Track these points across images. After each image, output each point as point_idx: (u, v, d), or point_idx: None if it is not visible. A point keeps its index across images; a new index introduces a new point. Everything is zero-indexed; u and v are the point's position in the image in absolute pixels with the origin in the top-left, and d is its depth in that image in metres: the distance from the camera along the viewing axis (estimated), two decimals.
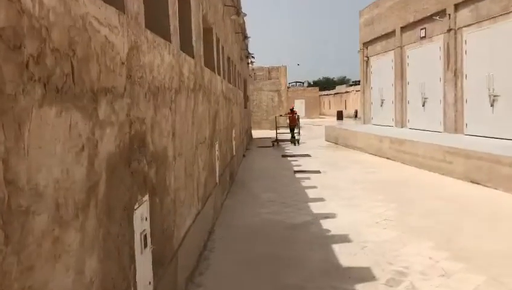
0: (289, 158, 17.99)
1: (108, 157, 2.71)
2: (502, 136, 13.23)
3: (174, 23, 4.73)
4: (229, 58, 13.43)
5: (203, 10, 7.13)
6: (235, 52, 16.48)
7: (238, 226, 7.93)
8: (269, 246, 6.69)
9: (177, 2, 4.96)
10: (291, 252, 6.40)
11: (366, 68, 24.76)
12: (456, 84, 15.95)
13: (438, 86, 17.07)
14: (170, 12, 4.57)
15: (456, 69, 15.92)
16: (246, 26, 20.90)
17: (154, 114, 3.82)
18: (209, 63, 8.32)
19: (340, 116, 50.90)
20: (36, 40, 1.86)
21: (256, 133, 32.30)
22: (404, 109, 20.30)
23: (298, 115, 26.04)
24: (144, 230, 3.49)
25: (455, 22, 15.80)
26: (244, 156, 18.81)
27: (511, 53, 13.01)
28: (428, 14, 17.45)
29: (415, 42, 19.12)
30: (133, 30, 3.24)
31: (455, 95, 16.00)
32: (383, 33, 22.13)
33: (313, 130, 34.67)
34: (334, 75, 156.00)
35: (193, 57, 6.00)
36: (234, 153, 13.67)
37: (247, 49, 24.37)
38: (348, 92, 62.88)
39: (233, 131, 13.78)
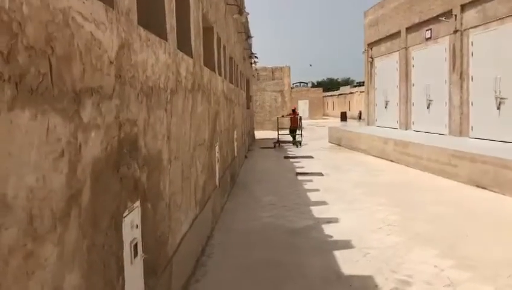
0: (291, 160, 17.80)
1: (93, 162, 2.53)
2: (509, 139, 13.01)
3: (170, 21, 4.55)
4: (231, 58, 13.24)
5: (203, 9, 6.95)
6: (238, 52, 16.30)
7: (238, 230, 7.74)
8: (269, 252, 6.50)
9: None
10: (291, 258, 6.21)
11: (371, 69, 24.54)
12: (461, 86, 15.72)
13: (443, 88, 16.84)
14: (166, 9, 4.39)
15: (461, 71, 15.69)
16: (250, 26, 20.74)
17: (147, 116, 3.64)
18: (209, 62, 8.14)
19: (344, 117, 50.65)
20: (6, 36, 1.68)
21: (259, 134, 32.12)
22: (408, 111, 20.07)
23: (300, 116, 25.70)
24: (135, 238, 3.31)
25: (461, 23, 15.57)
26: (246, 157, 18.63)
27: None
28: (434, 15, 17.23)
29: (420, 43, 18.89)
30: (123, 27, 3.06)
31: (461, 97, 15.78)
32: (387, 34, 21.91)
33: (316, 131, 34.44)
34: (338, 75, 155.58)
35: (192, 57, 5.82)
36: (236, 155, 13.49)
37: (250, 49, 24.19)
38: (352, 93, 62.59)
39: (235, 132, 13.60)
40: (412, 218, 8.20)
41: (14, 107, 1.73)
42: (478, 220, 8.04)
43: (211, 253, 6.51)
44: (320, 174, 13.68)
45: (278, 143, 23.69)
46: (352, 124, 34.67)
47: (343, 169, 14.87)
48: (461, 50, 15.65)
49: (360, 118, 48.75)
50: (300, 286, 5.29)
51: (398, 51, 20.88)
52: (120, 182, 2.99)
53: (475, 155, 11.41)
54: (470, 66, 15.29)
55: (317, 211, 8.86)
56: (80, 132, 2.35)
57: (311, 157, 18.39)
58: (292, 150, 21.57)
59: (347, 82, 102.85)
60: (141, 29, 3.51)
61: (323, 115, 67.52)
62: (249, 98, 25.69)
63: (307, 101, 64.45)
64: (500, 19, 13.63)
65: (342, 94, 68.77)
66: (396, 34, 20.90)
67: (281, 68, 40.82)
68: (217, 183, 8.58)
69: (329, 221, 8.10)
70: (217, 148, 8.68)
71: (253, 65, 29.66)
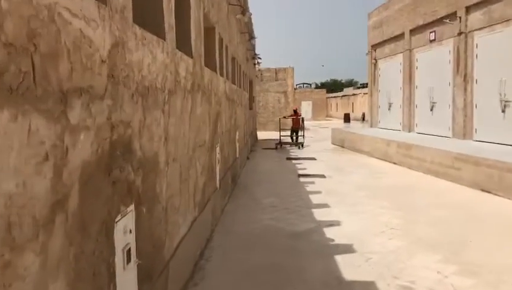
0: (294, 161, 17.67)
1: (82, 166, 2.42)
2: None
3: (169, 19, 4.44)
4: (233, 58, 13.14)
5: (204, 8, 6.84)
6: (241, 53, 16.18)
7: (238, 233, 7.62)
8: (269, 256, 6.38)
9: None
10: (292, 262, 6.09)
11: (374, 71, 24.39)
12: (465, 88, 15.56)
13: (447, 91, 16.69)
14: (165, 8, 4.28)
15: (466, 73, 15.54)
16: (253, 27, 20.63)
17: (142, 117, 3.53)
18: (210, 63, 8.03)
19: (347, 118, 50.45)
20: None
21: (262, 135, 32.00)
22: (412, 113, 19.92)
23: (303, 117, 25.48)
24: (128, 244, 3.20)
25: (466, 25, 15.41)
26: (248, 158, 18.51)
27: None
28: (438, 17, 17.07)
29: (424, 45, 18.74)
30: (117, 25, 2.95)
31: (464, 99, 15.61)
32: (391, 36, 21.75)
33: (319, 132, 34.32)
34: (342, 77, 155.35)
35: (191, 57, 5.71)
36: (237, 156, 13.38)
37: (253, 50, 24.08)
38: (355, 94, 62.41)
39: (237, 133, 13.49)
40: (415, 222, 8.07)
41: None
42: (482, 224, 7.90)
43: (210, 256, 6.39)
44: (323, 176, 13.55)
45: (280, 144, 23.42)
46: (355, 126, 34.48)
47: (346, 171, 14.74)
48: (465, 52, 15.50)
49: (363, 119, 48.55)
50: None
51: (402, 52, 20.73)
52: (112, 185, 2.88)
53: (479, 158, 11.26)
54: (474, 68, 15.12)
55: (319, 214, 8.73)
56: (67, 134, 2.24)
57: (313, 159, 18.26)
58: (295, 152, 21.44)
59: (351, 83, 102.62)
60: (137, 28, 3.40)
61: (327, 116, 67.37)
62: (251, 99, 25.57)
63: (310, 102, 64.33)
64: (506, 20, 13.46)
65: (345, 95, 68.60)
66: (400, 36, 20.75)
67: (285, 69, 40.71)
68: (218, 185, 8.47)
69: (331, 224, 7.97)
70: (217, 149, 8.57)
71: (256, 66, 29.54)
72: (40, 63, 1.95)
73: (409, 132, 19.94)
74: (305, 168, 15.40)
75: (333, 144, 24.18)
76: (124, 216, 3.12)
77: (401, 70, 20.72)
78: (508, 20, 13.38)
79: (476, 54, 15.00)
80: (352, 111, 59.78)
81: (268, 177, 13.89)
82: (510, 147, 12.67)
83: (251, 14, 13.53)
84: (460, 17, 15.56)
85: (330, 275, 5.60)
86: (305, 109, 61.66)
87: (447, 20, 16.27)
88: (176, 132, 4.76)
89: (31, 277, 1.89)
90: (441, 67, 17.12)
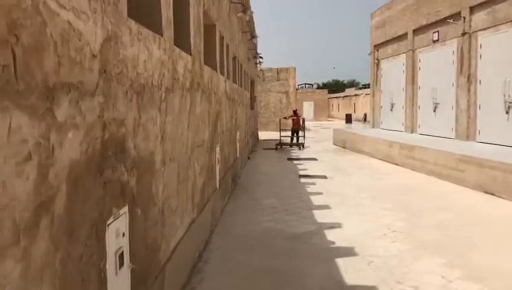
0: (295, 161, 17.52)
1: (70, 166, 2.29)
2: None
3: (167, 15, 4.31)
4: (235, 57, 13.00)
5: (204, 5, 6.70)
6: (242, 52, 16.04)
7: (237, 234, 7.49)
8: (268, 259, 6.24)
9: None
10: (291, 265, 5.95)
11: (377, 71, 24.23)
12: (469, 89, 15.40)
13: (450, 91, 16.53)
14: (162, 3, 4.14)
15: (469, 74, 15.38)
16: (255, 26, 20.48)
17: (137, 115, 3.39)
18: (210, 61, 7.89)
19: (349, 119, 50.29)
20: None
21: (263, 135, 31.87)
22: (414, 114, 19.76)
23: (303, 118, 25.25)
24: (120, 247, 3.06)
25: (470, 25, 15.26)
26: (249, 158, 18.37)
27: None
28: (442, 17, 16.92)
29: (427, 45, 18.58)
30: (110, 18, 2.81)
31: (468, 100, 15.46)
32: (394, 36, 21.59)
33: (321, 133, 34.18)
34: (344, 77, 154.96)
35: (190, 54, 5.57)
36: (238, 156, 13.25)
37: (255, 49, 23.94)
38: (357, 95, 62.24)
39: (238, 133, 13.35)
40: (418, 224, 7.93)
41: None
42: (486, 227, 7.75)
43: (209, 258, 6.26)
44: (324, 177, 13.41)
45: (280, 145, 23.02)
46: (357, 126, 34.32)
47: (348, 172, 14.60)
48: (469, 52, 15.34)
49: (365, 120, 48.41)
50: None
51: (404, 53, 20.58)
52: (103, 187, 2.74)
53: (483, 160, 11.11)
54: (478, 68, 14.97)
55: (320, 216, 8.59)
56: (54, 132, 2.11)
57: (315, 159, 18.11)
58: (296, 152, 21.29)
59: (352, 84, 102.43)
60: (132, 22, 3.26)
61: (328, 116, 67.22)
62: (253, 99, 25.42)
63: (312, 102, 64.18)
64: (510, 21, 13.29)
65: (347, 96, 68.43)
66: (403, 36, 20.59)
67: (287, 69, 40.56)
68: (217, 186, 8.33)
69: (332, 226, 7.84)
70: (217, 149, 8.43)
71: (258, 66, 29.39)
72: (23, 56, 1.82)
73: (412, 132, 19.78)
74: (306, 169, 15.26)
75: (335, 144, 24.03)
76: (117, 218, 2.99)
77: (404, 71, 20.57)
78: None
79: (479, 55, 14.85)
80: (354, 112, 59.60)
81: (269, 177, 13.75)
82: None
83: (252, 12, 13.39)
84: (464, 17, 15.41)
85: (331, 280, 5.46)
86: (307, 110, 61.53)
87: (451, 20, 16.11)
88: (173, 131, 4.62)
89: (11, 285, 1.76)
90: (444, 68, 16.96)
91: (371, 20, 24.79)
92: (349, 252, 6.47)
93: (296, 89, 45.87)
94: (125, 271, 3.16)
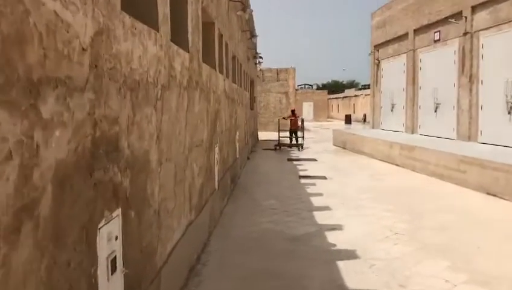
0: (295, 162, 17.38)
1: (57, 166, 2.14)
2: None
3: (163, 10, 4.16)
4: (234, 56, 12.85)
5: (202, 1, 6.55)
6: (241, 51, 15.89)
7: (236, 236, 7.34)
8: (268, 261, 6.10)
9: None
10: (291, 268, 5.81)
11: (377, 71, 24.09)
12: (471, 89, 15.26)
13: (452, 91, 16.39)
14: None
15: (471, 74, 15.24)
16: (255, 26, 20.32)
17: (131, 113, 3.25)
18: (209, 59, 7.74)
19: (348, 120, 50.13)
20: None
21: (263, 135, 31.72)
22: (415, 114, 19.62)
23: (303, 118, 24.89)
24: (113, 251, 2.92)
25: (472, 25, 15.12)
26: (248, 158, 18.22)
27: None
28: (443, 17, 16.78)
29: (428, 45, 18.44)
30: (101, 10, 2.67)
31: (470, 101, 15.32)
32: (395, 36, 21.45)
33: (321, 134, 34.03)
34: (344, 78, 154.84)
35: (188, 51, 5.43)
36: (237, 156, 13.10)
37: (255, 49, 23.78)
38: (356, 95, 62.11)
39: (237, 133, 13.20)
40: (420, 226, 7.78)
41: None
42: (490, 229, 7.61)
43: (207, 261, 6.11)
44: (324, 177, 13.27)
45: (279, 146, 22.60)
46: (356, 127, 34.17)
47: (348, 173, 14.45)
48: (471, 52, 15.20)
49: (364, 120, 48.25)
50: None
51: (405, 53, 20.44)
52: (94, 188, 2.60)
53: (485, 161, 10.97)
54: (480, 68, 14.83)
55: (320, 217, 8.45)
56: (38, 129, 1.96)
57: (314, 160, 17.97)
58: (295, 153, 21.14)
59: (352, 84, 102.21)
60: (126, 16, 3.12)
61: (328, 117, 67.07)
62: (252, 99, 25.26)
63: (312, 103, 64.04)
64: None
65: (346, 97, 68.31)
66: (404, 36, 20.45)
67: (286, 70, 40.44)
68: (216, 186, 8.18)
69: (332, 228, 7.69)
70: (216, 149, 8.28)
71: (258, 66, 29.23)
72: (2, 46, 1.67)
73: (412, 133, 19.64)
74: (306, 169, 15.12)
75: (335, 145, 23.86)
76: (109, 222, 2.84)
77: (405, 71, 20.43)
78: None
79: (481, 55, 14.72)
80: (354, 112, 59.45)
81: (269, 178, 13.61)
82: None
83: (252, 10, 13.24)
84: (465, 17, 15.27)
85: (332, 283, 5.32)
86: (307, 110, 61.40)
87: (453, 20, 15.98)
88: (170, 130, 4.48)
89: None
90: (445, 68, 16.82)
91: (371, 20, 24.66)
92: (350, 254, 6.33)
93: (296, 90, 45.72)
94: (118, 276, 3.02)
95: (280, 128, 24.22)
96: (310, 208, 9.25)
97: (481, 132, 14.75)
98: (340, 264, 5.94)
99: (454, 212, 8.80)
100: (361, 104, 56.76)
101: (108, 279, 2.82)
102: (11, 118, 1.75)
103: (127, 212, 3.18)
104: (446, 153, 12.79)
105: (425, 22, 18.36)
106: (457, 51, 15.98)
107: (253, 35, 19.56)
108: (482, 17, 14.62)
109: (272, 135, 30.21)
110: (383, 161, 16.96)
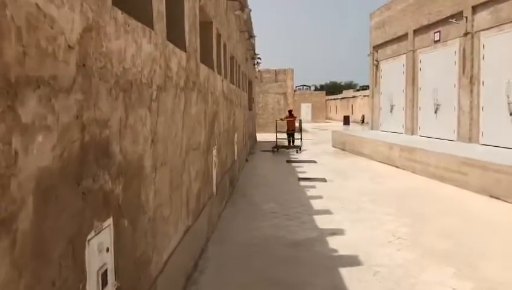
0: (294, 164, 17.19)
1: (39, 174, 1.94)
2: None
3: (158, 7, 3.96)
4: (232, 57, 12.66)
5: (200, 0, 6.36)
6: (240, 52, 15.70)
7: (235, 242, 7.14)
8: (268, 268, 5.90)
9: None
10: (292, 276, 5.61)
11: (376, 72, 23.93)
12: (471, 90, 15.10)
13: (452, 92, 16.22)
14: None
15: (472, 75, 15.08)
16: (253, 26, 20.14)
17: (124, 115, 3.05)
18: (207, 60, 7.55)
19: (346, 121, 50.01)
20: None
21: (261, 137, 31.51)
22: (415, 116, 19.45)
23: (300, 119, 24.53)
24: (104, 264, 2.72)
25: (472, 25, 14.96)
26: (247, 160, 18.02)
27: None
28: (443, 17, 16.62)
29: (428, 46, 18.28)
30: (90, 5, 2.47)
31: (470, 102, 15.15)
32: (394, 36, 21.28)
33: (319, 135, 33.84)
34: (342, 79, 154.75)
35: (185, 51, 5.23)
36: (236, 158, 12.90)
37: (253, 50, 23.59)
38: (355, 97, 62.01)
39: (236, 135, 13.00)
40: (424, 231, 7.59)
41: None
42: (494, 234, 7.43)
43: (205, 268, 5.91)
44: (324, 180, 13.07)
45: (277, 148, 22.11)
46: (355, 128, 34.02)
47: (348, 175, 14.26)
48: (472, 53, 15.04)
49: (363, 122, 48.13)
50: None
51: (405, 53, 20.28)
52: (82, 197, 2.40)
53: (487, 163, 10.79)
54: (480, 69, 14.67)
55: (321, 221, 8.25)
56: (17, 135, 1.76)
57: (314, 162, 17.78)
58: (294, 154, 20.94)
59: (350, 86, 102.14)
60: (118, 12, 2.92)
61: (326, 118, 66.90)
62: (251, 100, 25.05)
63: (310, 104, 63.85)
64: None
65: (344, 98, 68.21)
66: (404, 37, 20.29)
67: (284, 70, 40.25)
68: (214, 190, 7.98)
69: (333, 233, 7.49)
70: (214, 151, 8.08)
71: (256, 67, 29.05)
72: None
73: (412, 134, 19.47)
74: (305, 172, 14.93)
75: (334, 146, 23.66)
76: (99, 233, 2.64)
77: (404, 72, 20.27)
78: None
79: (482, 55, 14.56)
80: (352, 113, 59.36)
81: (268, 180, 13.41)
82: None
83: (250, 10, 13.05)
84: (466, 17, 15.12)
85: None
86: (305, 111, 61.18)
87: (453, 20, 15.82)
88: (165, 133, 4.28)
89: None
90: (445, 69, 16.66)
91: (370, 21, 24.50)
92: (353, 261, 6.13)
93: (294, 91, 45.55)
94: None
95: (278, 130, 23.74)
96: (311, 212, 9.05)
97: (482, 133, 14.58)
98: (343, 271, 5.75)
99: (456, 216, 8.61)
100: (360, 105, 56.65)
101: None
102: None
103: (119, 221, 2.98)
104: (447, 155, 12.61)
105: (425, 22, 18.21)
106: (458, 51, 15.82)
107: (251, 35, 19.37)
108: (483, 17, 14.46)
109: (271, 137, 29.99)
110: (383, 162, 16.78)
